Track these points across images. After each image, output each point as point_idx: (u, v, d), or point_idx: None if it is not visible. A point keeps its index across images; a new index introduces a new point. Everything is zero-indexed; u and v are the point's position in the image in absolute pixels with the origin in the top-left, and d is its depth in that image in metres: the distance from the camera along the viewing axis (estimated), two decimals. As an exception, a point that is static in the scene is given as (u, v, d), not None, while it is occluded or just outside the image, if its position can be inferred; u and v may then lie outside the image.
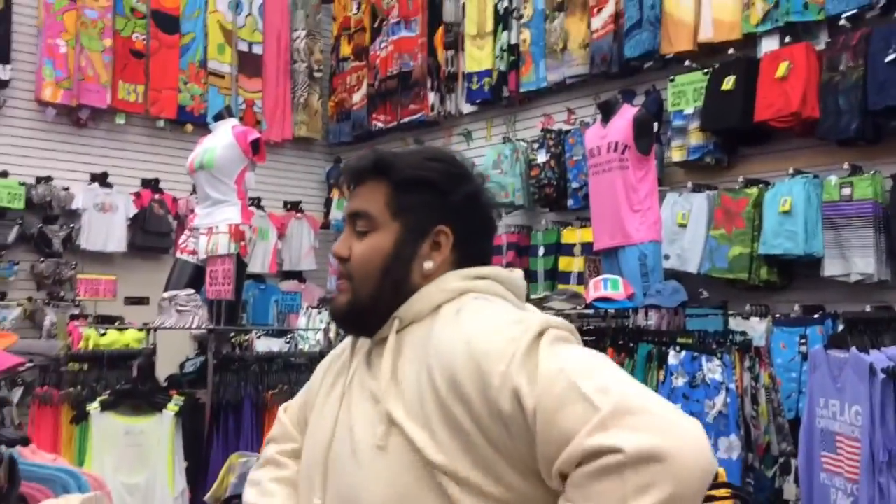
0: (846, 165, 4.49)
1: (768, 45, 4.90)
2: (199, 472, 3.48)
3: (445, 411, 1.01)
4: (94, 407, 3.18)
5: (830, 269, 4.46)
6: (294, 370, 3.93)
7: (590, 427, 0.89)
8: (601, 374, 0.95)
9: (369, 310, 1.14)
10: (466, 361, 1.00)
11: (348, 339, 1.28)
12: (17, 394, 5.23)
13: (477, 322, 1.05)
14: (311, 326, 6.22)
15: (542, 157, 6.15)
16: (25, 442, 1.62)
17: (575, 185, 5.92)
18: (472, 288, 1.14)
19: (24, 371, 1.59)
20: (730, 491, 2.52)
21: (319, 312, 6.53)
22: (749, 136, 5.07)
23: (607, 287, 4.02)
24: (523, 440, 0.96)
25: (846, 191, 4.41)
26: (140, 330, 4.68)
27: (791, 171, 4.76)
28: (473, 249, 1.19)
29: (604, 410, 0.90)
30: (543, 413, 0.93)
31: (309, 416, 1.26)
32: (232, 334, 4.55)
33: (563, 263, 6.05)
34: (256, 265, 7.12)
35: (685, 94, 5.26)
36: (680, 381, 3.47)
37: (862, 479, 2.43)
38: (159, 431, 3.27)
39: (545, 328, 1.01)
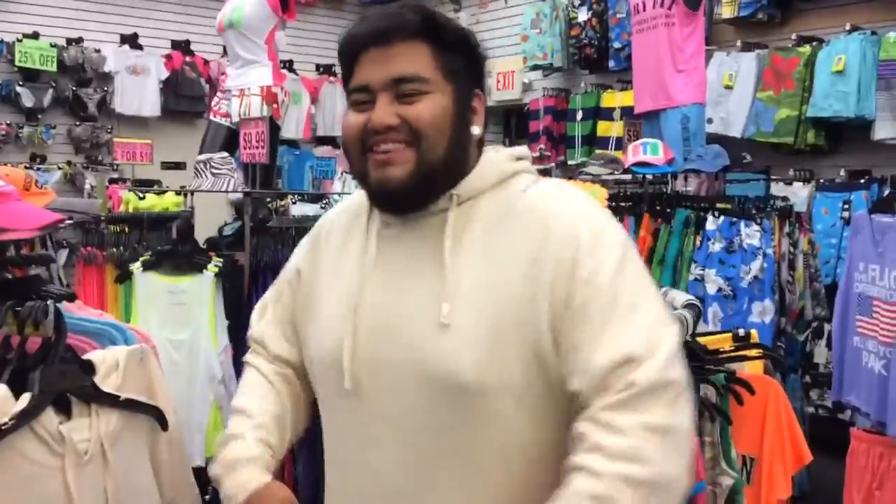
0: (908, 21, 4.24)
1: None
2: (241, 330, 3.58)
3: (524, 292, 1.04)
4: (136, 267, 3.25)
5: (881, 131, 4.31)
6: (329, 233, 3.96)
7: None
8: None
9: (436, 176, 1.08)
10: (561, 250, 1.04)
11: (343, 218, 1.24)
12: (62, 255, 5.39)
13: (566, 208, 1.09)
14: (346, 191, 6.24)
15: (583, 16, 5.88)
16: (71, 297, 1.63)
17: (617, 45, 5.68)
18: (522, 169, 1.16)
19: (63, 227, 1.59)
20: (761, 351, 2.53)
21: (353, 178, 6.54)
22: (805, -12, 4.79)
23: (646, 151, 3.92)
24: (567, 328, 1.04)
25: (905, 48, 4.18)
26: (178, 193, 4.73)
27: (848, 27, 4.50)
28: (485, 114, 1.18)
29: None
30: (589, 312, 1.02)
31: (306, 304, 1.24)
32: (268, 199, 4.57)
33: (602, 128, 5.90)
34: (290, 130, 7.06)
35: (739, -57, 4.93)
36: (717, 247, 3.44)
37: (897, 343, 2.43)
38: (201, 291, 3.35)
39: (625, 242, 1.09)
